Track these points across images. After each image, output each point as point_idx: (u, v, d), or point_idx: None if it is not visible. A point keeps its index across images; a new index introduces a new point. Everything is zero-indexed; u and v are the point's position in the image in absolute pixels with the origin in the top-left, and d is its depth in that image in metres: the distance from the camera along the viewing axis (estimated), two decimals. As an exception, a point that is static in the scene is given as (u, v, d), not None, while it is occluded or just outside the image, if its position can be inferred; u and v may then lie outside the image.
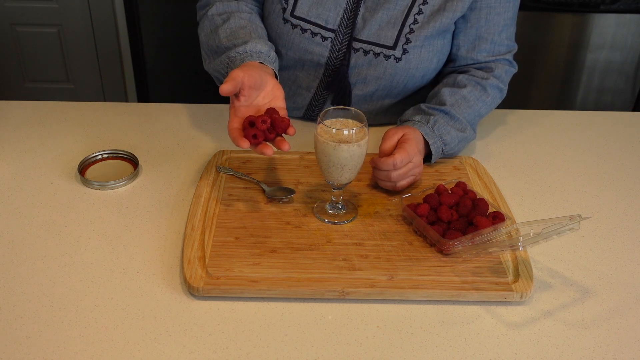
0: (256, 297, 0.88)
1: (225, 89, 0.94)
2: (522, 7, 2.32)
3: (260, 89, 1.01)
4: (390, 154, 1.07)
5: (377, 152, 1.19)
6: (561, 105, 2.60)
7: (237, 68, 1.00)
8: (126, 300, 0.87)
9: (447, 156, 1.18)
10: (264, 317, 0.85)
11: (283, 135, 0.97)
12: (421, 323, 0.85)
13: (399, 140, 1.08)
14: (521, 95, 2.56)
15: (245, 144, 0.92)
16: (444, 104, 1.16)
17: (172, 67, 2.90)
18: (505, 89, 1.24)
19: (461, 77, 1.20)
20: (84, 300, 0.86)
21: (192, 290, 0.87)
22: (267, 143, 0.95)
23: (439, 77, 1.27)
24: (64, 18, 2.76)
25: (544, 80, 2.55)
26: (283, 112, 1.01)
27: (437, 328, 0.84)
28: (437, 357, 0.80)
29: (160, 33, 2.82)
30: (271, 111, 0.96)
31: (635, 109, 2.61)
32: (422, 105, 1.18)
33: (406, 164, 1.05)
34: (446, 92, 1.18)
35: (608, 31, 2.41)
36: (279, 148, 0.95)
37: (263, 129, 0.93)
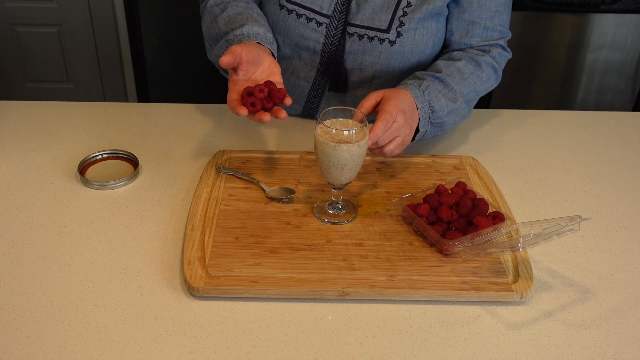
0: (256, 297, 0.88)
1: (225, 60, 0.98)
2: (522, 7, 2.35)
3: (258, 64, 1.05)
4: (368, 114, 1.04)
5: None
6: (561, 105, 2.60)
7: (232, 47, 1.02)
8: (126, 300, 0.87)
9: (437, 127, 1.13)
10: (264, 317, 0.85)
11: (280, 105, 1.00)
12: (421, 323, 0.85)
13: (379, 101, 1.05)
14: (521, 95, 2.56)
15: (244, 111, 0.95)
16: (440, 72, 1.15)
17: (172, 67, 2.90)
18: (500, 70, 1.23)
19: (456, 53, 1.21)
20: (84, 300, 0.86)
21: (192, 291, 0.87)
22: (265, 111, 0.98)
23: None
24: (64, 18, 2.76)
25: (544, 80, 2.55)
26: (280, 87, 1.03)
27: (437, 328, 0.84)
28: (437, 357, 0.80)
29: (160, 33, 2.82)
30: (269, 82, 1.00)
31: (635, 109, 2.61)
32: (417, 72, 1.17)
33: (390, 126, 1.01)
34: (441, 63, 1.18)
35: (608, 31, 2.41)
36: (276, 116, 0.98)
37: (261, 97, 0.97)
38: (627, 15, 2.38)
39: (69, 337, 0.81)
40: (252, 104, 0.96)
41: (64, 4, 2.73)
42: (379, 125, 0.99)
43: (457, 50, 1.23)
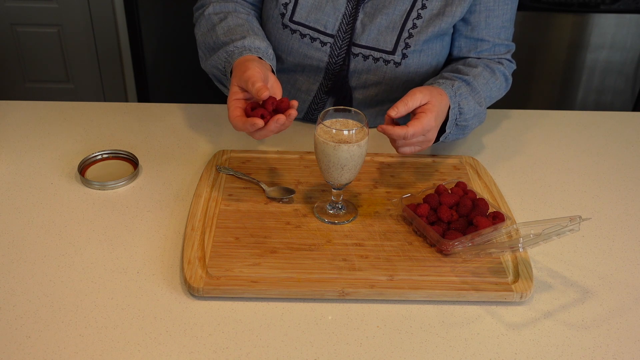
0: (256, 297, 0.88)
1: (266, 93, 0.94)
2: (522, 7, 2.34)
3: (264, 83, 1.01)
4: (401, 114, 1.00)
5: (378, 151, 1.19)
6: (561, 105, 2.60)
7: (249, 70, 0.98)
8: (126, 300, 0.87)
9: (459, 130, 1.13)
10: (264, 317, 0.85)
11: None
12: (421, 323, 0.85)
13: (420, 107, 1.02)
14: (521, 95, 2.56)
15: (260, 122, 0.92)
16: (466, 74, 1.14)
17: (172, 67, 2.90)
18: (510, 79, 1.24)
19: (471, 59, 1.21)
20: (84, 300, 0.86)
21: (192, 291, 0.87)
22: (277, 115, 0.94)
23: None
24: (64, 18, 2.76)
25: (544, 80, 2.55)
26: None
27: (437, 328, 0.84)
28: (437, 357, 0.80)
29: (160, 33, 2.82)
30: (272, 99, 0.96)
31: (635, 109, 2.61)
32: (444, 73, 1.16)
33: (424, 133, 1.00)
34: (462, 67, 1.17)
35: (608, 31, 2.41)
36: (288, 116, 0.94)
37: (270, 109, 0.94)
38: (627, 15, 2.38)
39: (69, 337, 0.81)
40: (262, 116, 0.93)
41: (64, 4, 2.73)
42: (416, 127, 0.98)
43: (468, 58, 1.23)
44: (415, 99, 1.01)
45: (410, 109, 1.01)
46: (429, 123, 1.00)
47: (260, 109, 0.94)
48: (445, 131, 1.10)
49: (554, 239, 0.86)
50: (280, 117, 0.93)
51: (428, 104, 1.02)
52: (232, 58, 1.07)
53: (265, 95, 0.93)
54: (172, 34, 2.80)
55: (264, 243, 0.95)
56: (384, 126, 0.99)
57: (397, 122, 1.02)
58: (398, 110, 0.99)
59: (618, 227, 1.05)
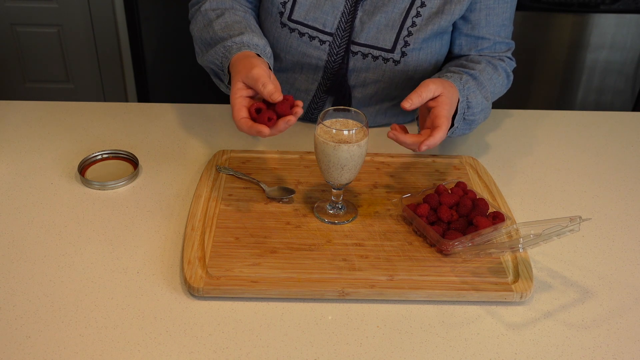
0: (256, 297, 0.88)
1: (277, 95, 0.93)
2: (522, 7, 2.35)
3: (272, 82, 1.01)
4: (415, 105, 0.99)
5: (378, 151, 1.19)
6: (561, 105, 2.60)
7: (257, 67, 0.97)
8: (126, 300, 0.87)
9: (466, 125, 1.12)
10: (264, 317, 0.85)
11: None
12: (421, 323, 0.85)
13: (432, 103, 1.01)
14: (521, 95, 2.56)
15: (267, 130, 0.91)
16: (473, 69, 1.14)
17: (172, 67, 2.90)
18: (511, 76, 1.24)
19: (473, 56, 1.21)
20: (84, 300, 0.86)
21: (192, 291, 0.87)
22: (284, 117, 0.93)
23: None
24: (64, 18, 2.76)
25: (544, 80, 2.55)
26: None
27: (437, 328, 0.84)
28: (437, 357, 0.80)
29: (160, 33, 2.82)
30: (284, 101, 0.95)
31: (635, 109, 2.61)
32: (451, 67, 1.15)
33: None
34: (465, 63, 1.17)
35: (608, 31, 2.41)
36: (295, 114, 0.93)
37: (280, 111, 0.93)
38: (627, 15, 2.38)
39: (69, 337, 0.81)
40: (269, 119, 0.92)
41: (64, 4, 2.73)
42: (440, 134, 0.97)
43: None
44: (428, 90, 1.00)
45: (424, 101, 1.00)
46: (441, 138, 0.98)
47: (266, 111, 0.93)
48: (453, 125, 1.09)
49: (554, 239, 0.86)
50: (291, 119, 0.92)
51: (440, 97, 1.01)
52: (230, 53, 1.06)
53: (278, 98, 0.93)
54: (172, 34, 2.80)
55: (264, 243, 0.95)
56: (397, 134, 0.98)
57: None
58: (412, 102, 0.98)
59: (618, 227, 1.05)
